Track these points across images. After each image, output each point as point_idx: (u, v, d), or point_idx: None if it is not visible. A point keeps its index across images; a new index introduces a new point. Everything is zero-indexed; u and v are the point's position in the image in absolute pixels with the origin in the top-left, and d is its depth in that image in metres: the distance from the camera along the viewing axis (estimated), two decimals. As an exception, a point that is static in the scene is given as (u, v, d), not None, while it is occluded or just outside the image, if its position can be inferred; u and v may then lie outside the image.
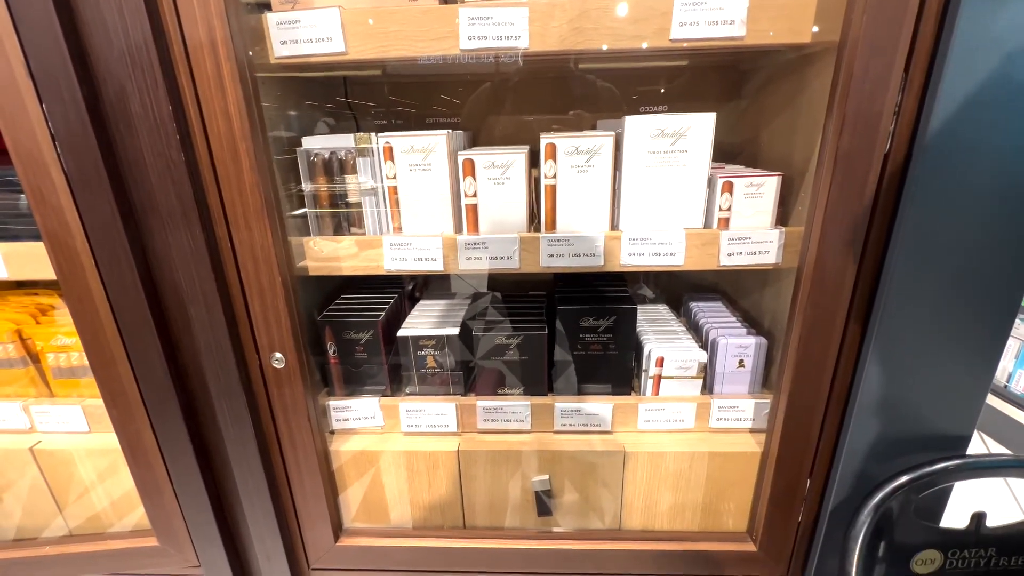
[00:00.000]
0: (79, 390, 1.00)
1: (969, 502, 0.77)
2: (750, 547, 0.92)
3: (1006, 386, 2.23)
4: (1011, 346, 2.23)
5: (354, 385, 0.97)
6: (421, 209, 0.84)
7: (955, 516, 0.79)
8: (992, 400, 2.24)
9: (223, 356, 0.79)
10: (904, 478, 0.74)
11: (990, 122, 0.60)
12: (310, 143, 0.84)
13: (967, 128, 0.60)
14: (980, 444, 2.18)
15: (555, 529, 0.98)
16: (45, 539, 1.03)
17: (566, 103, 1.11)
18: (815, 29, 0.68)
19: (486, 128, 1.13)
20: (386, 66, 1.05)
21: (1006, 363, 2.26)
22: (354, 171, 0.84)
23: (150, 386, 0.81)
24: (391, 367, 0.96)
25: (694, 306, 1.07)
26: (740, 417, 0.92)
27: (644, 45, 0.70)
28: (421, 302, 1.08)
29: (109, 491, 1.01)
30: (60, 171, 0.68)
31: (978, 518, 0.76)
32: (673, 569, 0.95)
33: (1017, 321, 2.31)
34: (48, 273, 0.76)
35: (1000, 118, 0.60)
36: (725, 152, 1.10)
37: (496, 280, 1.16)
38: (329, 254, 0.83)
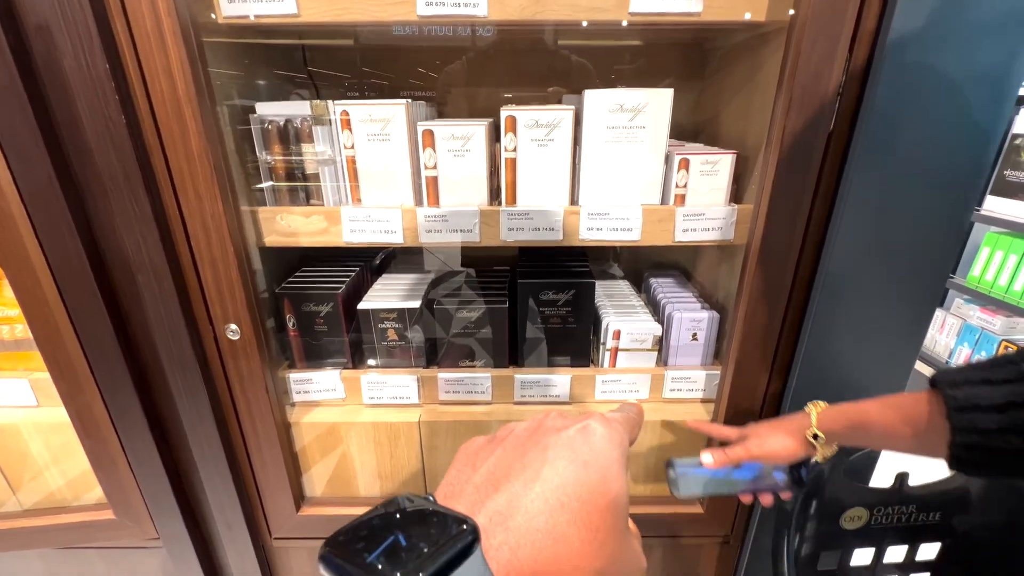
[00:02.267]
0: (25, 363, 0.97)
1: (902, 463, 0.83)
2: (698, 510, 0.97)
3: (947, 362, 2.38)
4: (952, 324, 2.37)
5: (315, 358, 0.96)
6: (380, 181, 0.83)
7: (884, 477, 0.86)
8: (934, 375, 2.39)
9: (175, 327, 0.77)
10: (836, 442, 0.79)
11: (925, 106, 0.63)
12: (264, 109, 0.82)
13: (904, 111, 0.63)
14: (921, 416, 2.33)
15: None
16: (-4, 514, 1.01)
17: (536, 79, 1.10)
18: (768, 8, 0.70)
19: (453, 101, 1.12)
20: (349, 36, 1.02)
21: (948, 340, 2.40)
22: (311, 140, 0.82)
23: (99, 358, 0.79)
24: (352, 340, 0.96)
25: (653, 282, 1.09)
26: (692, 388, 0.96)
27: (603, 18, 0.70)
28: (384, 276, 1.07)
29: (62, 465, 0.99)
30: (-11, 131, 0.64)
31: (902, 478, 0.82)
32: (626, 531, 1.00)
33: (959, 301, 2.45)
34: (-17, 240, 0.72)
35: (933, 103, 0.62)
36: (688, 131, 1.12)
37: (462, 255, 1.16)
38: (285, 225, 0.82)
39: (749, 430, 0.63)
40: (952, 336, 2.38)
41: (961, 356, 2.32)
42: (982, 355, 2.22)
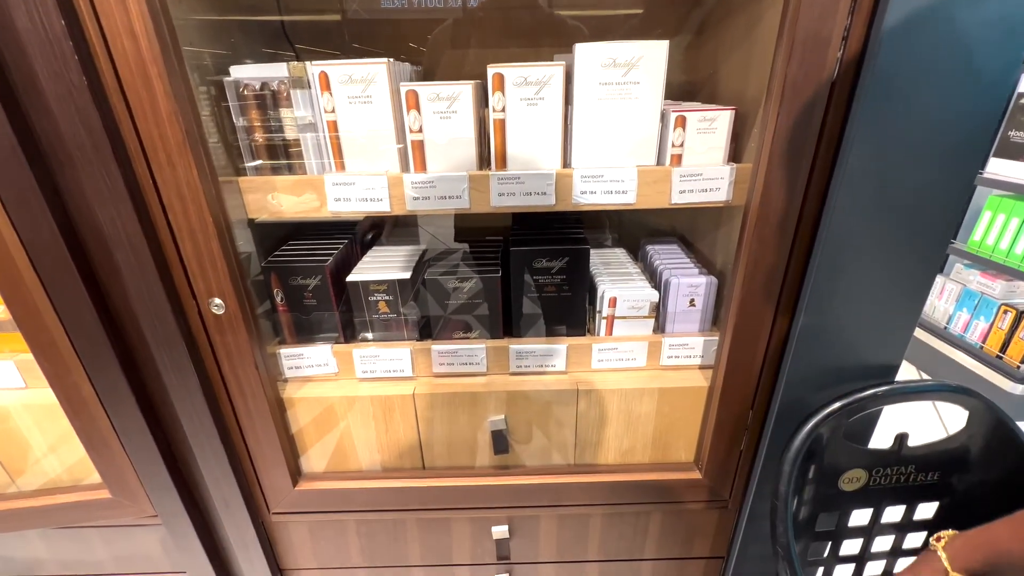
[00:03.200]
0: (10, 345, 0.95)
1: (902, 424, 0.82)
2: (696, 475, 0.97)
3: (946, 328, 2.37)
4: (952, 290, 2.36)
5: (306, 333, 0.95)
6: (364, 146, 0.79)
7: (883, 438, 0.85)
8: (933, 341, 2.39)
9: (157, 303, 0.75)
10: (836, 404, 0.78)
11: (935, 50, 0.59)
12: (239, 72, 0.78)
13: (913, 56, 0.59)
14: (918, 382, 2.34)
15: (512, 465, 1.01)
16: (-8, 497, 1.00)
17: (525, 42, 1.05)
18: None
19: (441, 70, 1.07)
20: (336, 11, 0.97)
21: (947, 306, 2.39)
22: (289, 104, 0.79)
23: (82, 337, 0.77)
24: (343, 314, 0.94)
25: (650, 249, 1.07)
26: (690, 354, 0.95)
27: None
28: (373, 248, 1.04)
29: (55, 446, 0.98)
30: (-56, 97, 0.61)
31: (901, 439, 0.81)
32: (625, 498, 1.00)
33: (959, 266, 2.43)
34: (-50, 216, 0.69)
35: (946, 47, 0.59)
36: (685, 93, 1.08)
37: (454, 226, 1.13)
38: (267, 196, 0.79)
39: None
40: (951, 302, 2.37)
41: (960, 321, 2.31)
42: (980, 320, 2.21)
